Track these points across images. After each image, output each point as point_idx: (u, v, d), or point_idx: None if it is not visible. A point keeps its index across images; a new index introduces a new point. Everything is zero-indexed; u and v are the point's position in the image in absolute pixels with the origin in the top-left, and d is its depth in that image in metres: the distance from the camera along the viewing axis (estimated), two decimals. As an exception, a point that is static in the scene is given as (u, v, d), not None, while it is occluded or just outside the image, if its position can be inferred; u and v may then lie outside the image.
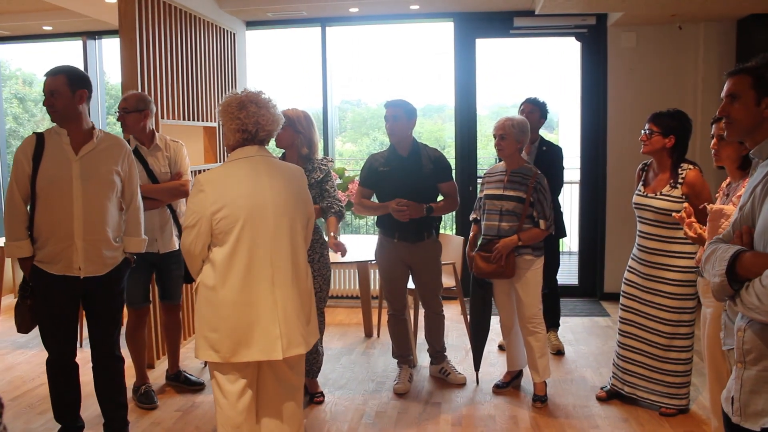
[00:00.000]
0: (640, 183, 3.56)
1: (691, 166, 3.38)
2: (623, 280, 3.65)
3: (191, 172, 3.97)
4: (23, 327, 3.10)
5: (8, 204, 2.97)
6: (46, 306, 3.03)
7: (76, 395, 3.20)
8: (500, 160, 3.82)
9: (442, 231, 4.47)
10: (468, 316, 4.87)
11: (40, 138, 2.97)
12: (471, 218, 3.91)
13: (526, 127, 3.66)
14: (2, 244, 5.31)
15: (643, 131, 3.45)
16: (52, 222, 2.95)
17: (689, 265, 3.37)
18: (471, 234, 3.88)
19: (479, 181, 6.16)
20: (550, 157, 4.36)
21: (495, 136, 3.65)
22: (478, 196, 3.87)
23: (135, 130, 3.72)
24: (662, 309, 3.45)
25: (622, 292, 3.65)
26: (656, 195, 3.41)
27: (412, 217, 3.69)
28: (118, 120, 3.75)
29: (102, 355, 3.17)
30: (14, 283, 6.27)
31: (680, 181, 3.35)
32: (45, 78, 2.95)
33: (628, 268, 3.63)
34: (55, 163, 2.94)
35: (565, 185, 4.62)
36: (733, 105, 1.88)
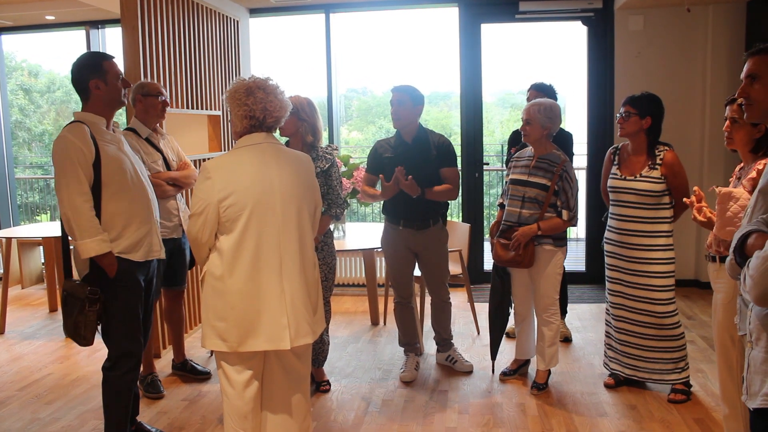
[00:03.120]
0: (614, 166, 3.58)
1: (666, 147, 3.47)
2: (607, 266, 3.66)
3: (196, 161, 3.98)
4: (90, 338, 2.83)
5: (78, 197, 2.70)
6: (131, 299, 2.90)
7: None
8: (511, 146, 3.77)
9: (448, 218, 4.43)
10: (474, 304, 4.86)
11: (85, 125, 2.80)
12: (497, 203, 3.87)
13: (555, 112, 3.56)
14: (35, 234, 5.32)
15: (619, 114, 3.51)
16: (130, 208, 2.86)
17: (669, 243, 3.48)
18: (495, 220, 3.84)
19: (484, 168, 6.14)
20: (559, 142, 4.29)
21: (522, 120, 3.60)
22: (505, 180, 3.81)
23: (148, 117, 3.70)
24: (651, 289, 3.48)
25: (607, 278, 3.68)
26: (636, 177, 3.46)
27: (405, 190, 3.61)
28: (135, 105, 3.70)
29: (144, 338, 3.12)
30: (21, 274, 6.29)
31: (659, 162, 3.43)
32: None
33: (607, 253, 3.66)
34: (112, 149, 2.85)
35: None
36: (752, 86, 1.84)
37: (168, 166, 3.75)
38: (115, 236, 2.82)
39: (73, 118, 2.87)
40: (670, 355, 3.52)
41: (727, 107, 2.73)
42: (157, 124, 3.79)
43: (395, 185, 3.62)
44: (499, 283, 3.82)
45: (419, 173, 3.69)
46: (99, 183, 2.77)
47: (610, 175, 3.59)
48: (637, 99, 3.48)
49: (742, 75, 1.86)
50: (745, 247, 1.67)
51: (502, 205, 3.79)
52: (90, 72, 2.82)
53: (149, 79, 4.15)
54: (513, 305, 3.90)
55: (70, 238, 2.91)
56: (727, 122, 2.72)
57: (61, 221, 2.88)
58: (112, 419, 2.93)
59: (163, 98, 3.72)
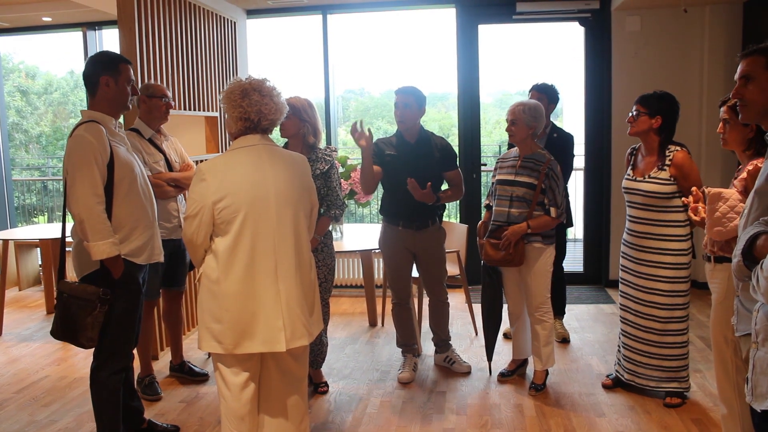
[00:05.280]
0: (629, 167, 3.54)
1: (678, 148, 3.38)
2: (620, 267, 3.64)
3: (194, 162, 3.98)
4: (96, 339, 2.80)
5: (92, 198, 2.68)
6: (132, 301, 2.89)
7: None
8: (510, 147, 3.76)
9: (446, 219, 4.44)
10: (472, 305, 4.86)
11: (100, 125, 2.75)
12: (484, 204, 3.87)
13: (539, 112, 3.56)
14: (37, 234, 5.31)
15: (630, 113, 3.45)
16: (138, 211, 2.86)
17: (681, 247, 3.37)
18: (481, 220, 3.84)
19: (482, 168, 6.14)
20: (560, 144, 4.30)
21: (507, 121, 3.61)
22: (491, 181, 3.82)
23: (152, 118, 3.70)
24: (656, 293, 3.43)
25: (620, 279, 3.64)
26: (644, 178, 3.40)
27: (422, 200, 3.65)
28: (139, 106, 3.70)
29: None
30: (18, 276, 6.28)
31: (668, 163, 3.35)
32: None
33: (621, 254, 3.62)
34: (123, 151, 2.83)
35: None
36: (746, 87, 1.84)
37: (170, 168, 3.75)
38: (122, 238, 2.81)
39: (82, 117, 2.83)
40: (670, 363, 3.46)
41: (721, 108, 2.73)
42: (161, 126, 3.80)
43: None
44: (489, 283, 3.83)
45: (422, 174, 3.68)
46: (111, 185, 2.75)
47: (624, 176, 3.54)
48: (647, 98, 3.40)
49: (736, 76, 1.87)
50: (755, 249, 1.65)
51: (488, 207, 3.80)
52: (103, 68, 2.81)
53: (147, 81, 4.14)
54: (507, 306, 3.89)
55: (70, 238, 2.89)
56: (721, 123, 2.73)
57: (64, 218, 2.88)
58: (104, 421, 2.91)
59: (167, 100, 3.72)
